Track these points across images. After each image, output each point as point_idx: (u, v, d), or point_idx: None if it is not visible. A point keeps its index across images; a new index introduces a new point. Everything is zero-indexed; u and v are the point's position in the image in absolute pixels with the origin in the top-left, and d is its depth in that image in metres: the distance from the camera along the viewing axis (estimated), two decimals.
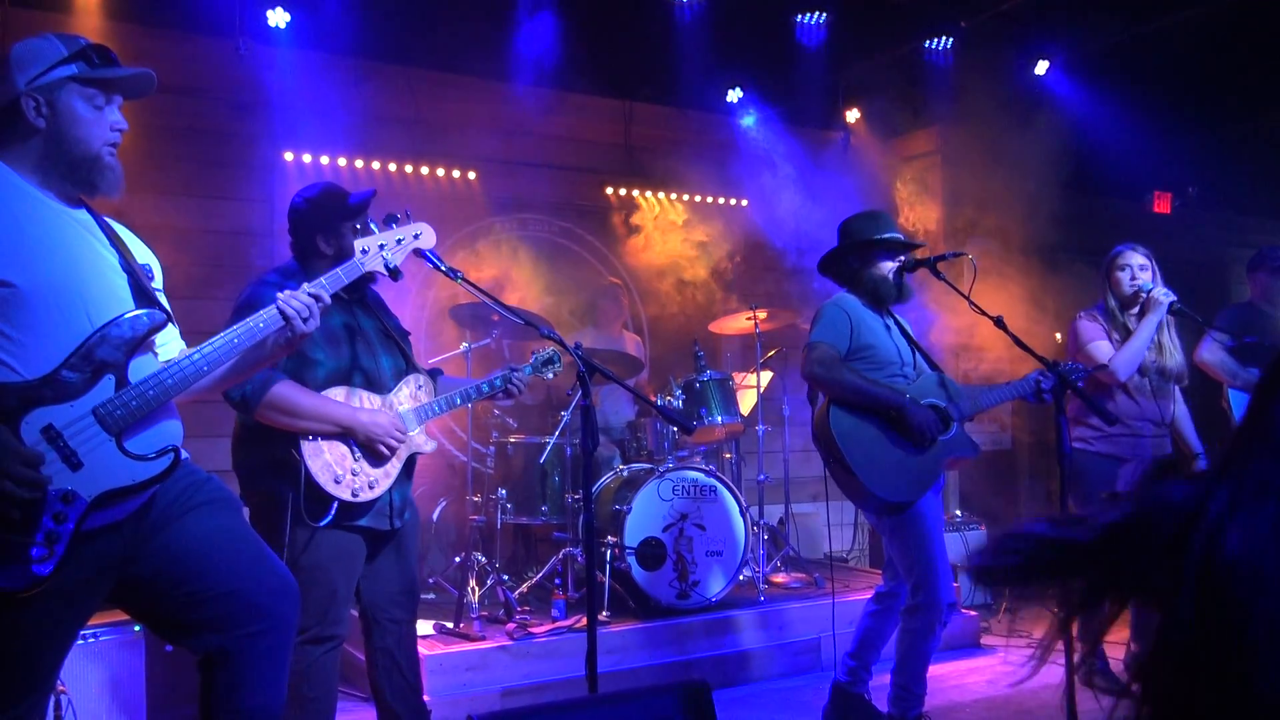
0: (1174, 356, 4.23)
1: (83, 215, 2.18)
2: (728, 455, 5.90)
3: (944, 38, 6.36)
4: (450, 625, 4.43)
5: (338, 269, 2.46)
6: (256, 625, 2.22)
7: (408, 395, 3.05)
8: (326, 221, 3.03)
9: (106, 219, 2.25)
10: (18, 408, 1.93)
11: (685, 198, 6.98)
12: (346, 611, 2.98)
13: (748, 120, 6.86)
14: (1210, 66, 6.33)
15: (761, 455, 5.67)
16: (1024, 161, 6.07)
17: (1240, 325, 4.73)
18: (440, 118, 6.13)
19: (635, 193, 6.89)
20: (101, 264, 2.15)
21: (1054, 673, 2.65)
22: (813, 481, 6.35)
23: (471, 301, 5.06)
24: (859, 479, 3.48)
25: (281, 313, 2.26)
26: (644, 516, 4.66)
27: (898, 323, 3.82)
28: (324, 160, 5.83)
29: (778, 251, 6.67)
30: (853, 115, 7.20)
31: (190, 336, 2.37)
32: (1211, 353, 4.70)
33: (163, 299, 2.26)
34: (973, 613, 5.37)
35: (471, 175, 6.28)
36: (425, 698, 3.22)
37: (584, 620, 3.27)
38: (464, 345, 5.06)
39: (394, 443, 2.90)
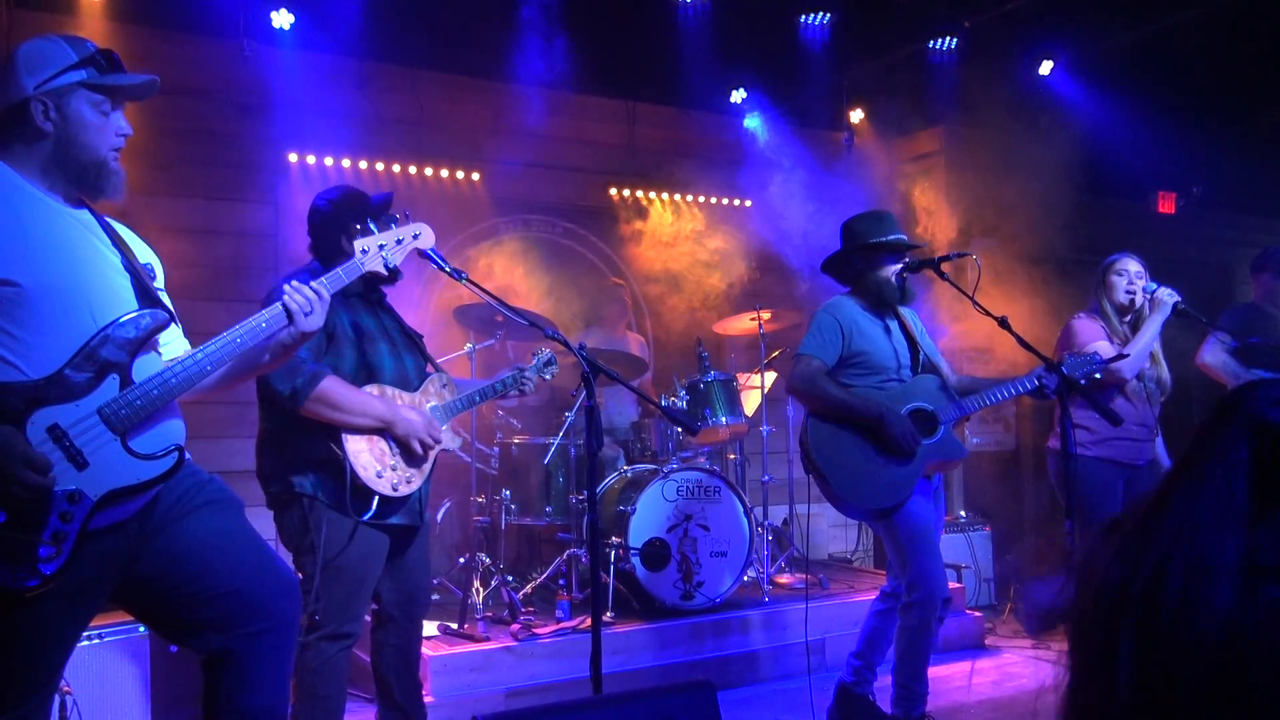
0: (1164, 369, 4.22)
1: (85, 216, 2.19)
2: (732, 456, 5.90)
3: (948, 38, 6.35)
4: (455, 626, 4.43)
5: (338, 269, 2.47)
6: (258, 625, 2.23)
7: (434, 393, 3.11)
8: (350, 222, 3.06)
9: (108, 219, 2.25)
10: (23, 407, 1.94)
11: (689, 198, 6.98)
12: (365, 611, 3.02)
13: (752, 121, 6.86)
14: (1215, 66, 6.32)
15: (766, 456, 5.66)
16: (1029, 161, 6.06)
17: (1243, 326, 4.70)
18: (444, 119, 6.13)
19: (639, 193, 6.89)
20: (105, 264, 2.15)
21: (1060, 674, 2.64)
22: None
23: (476, 302, 5.07)
24: (832, 487, 3.62)
25: (285, 307, 2.26)
26: (648, 517, 4.66)
27: (901, 323, 3.82)
28: (328, 162, 5.83)
29: (781, 252, 6.66)
30: (857, 116, 7.20)
31: (194, 337, 2.37)
32: (1213, 355, 4.65)
33: (165, 299, 2.27)
34: (977, 614, 5.36)
35: (475, 176, 6.28)
36: (429, 698, 3.24)
37: (588, 621, 3.27)
38: (468, 346, 5.07)
39: (430, 440, 2.95)
